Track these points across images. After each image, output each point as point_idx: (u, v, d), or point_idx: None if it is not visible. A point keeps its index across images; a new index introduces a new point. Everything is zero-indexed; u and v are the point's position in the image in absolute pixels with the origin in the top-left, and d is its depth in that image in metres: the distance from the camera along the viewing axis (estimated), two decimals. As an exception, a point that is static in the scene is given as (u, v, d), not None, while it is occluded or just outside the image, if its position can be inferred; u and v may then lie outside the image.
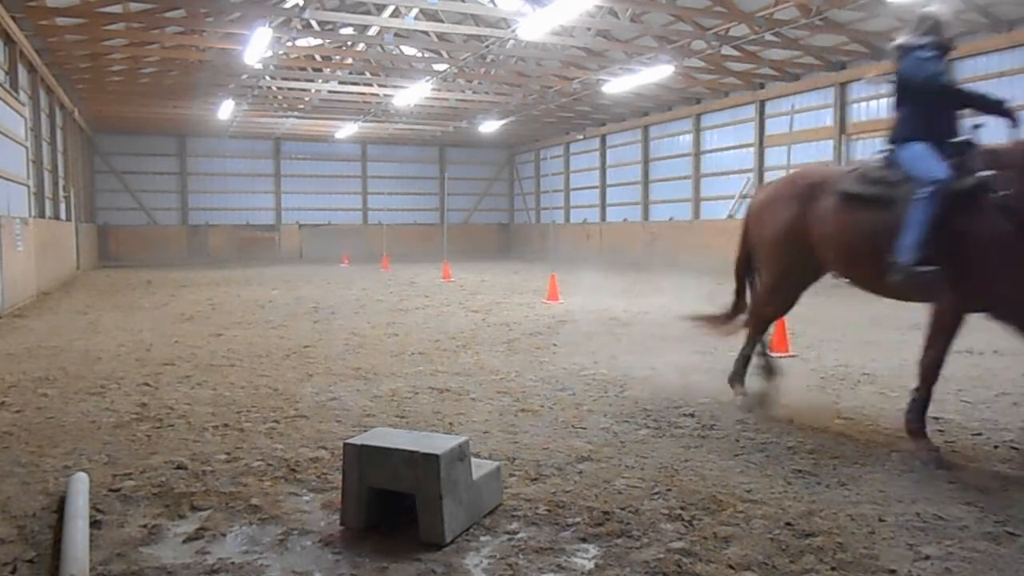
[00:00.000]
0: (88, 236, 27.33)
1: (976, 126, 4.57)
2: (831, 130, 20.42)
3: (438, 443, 3.43)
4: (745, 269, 5.90)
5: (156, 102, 26.28)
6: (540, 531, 3.40)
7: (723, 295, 6.39)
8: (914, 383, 4.58)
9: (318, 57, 22.64)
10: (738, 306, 5.97)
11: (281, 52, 20.06)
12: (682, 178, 26.55)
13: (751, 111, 23.26)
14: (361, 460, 3.41)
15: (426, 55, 22.16)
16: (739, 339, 5.91)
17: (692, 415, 5.45)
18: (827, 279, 5.40)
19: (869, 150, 19.61)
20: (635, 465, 4.31)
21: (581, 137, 32.73)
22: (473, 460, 3.57)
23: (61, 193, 22.00)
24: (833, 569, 3.00)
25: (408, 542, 3.28)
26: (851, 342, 8.72)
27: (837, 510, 3.61)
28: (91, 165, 31.85)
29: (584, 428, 5.13)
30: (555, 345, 8.70)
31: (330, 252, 34.03)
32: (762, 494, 3.82)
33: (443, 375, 7.00)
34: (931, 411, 5.47)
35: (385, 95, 25.27)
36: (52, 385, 6.59)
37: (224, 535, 3.38)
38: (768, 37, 17.80)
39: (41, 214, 18.27)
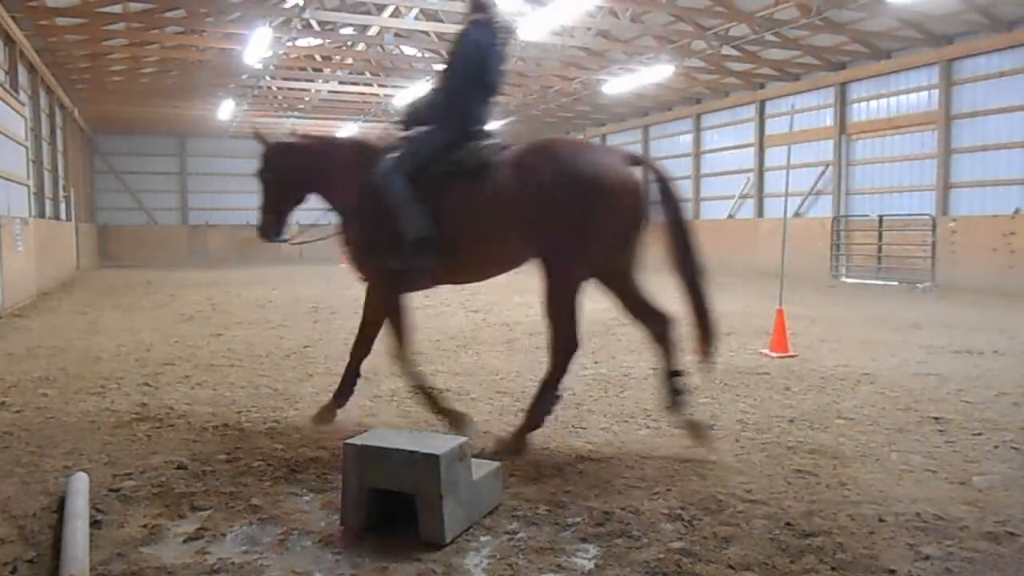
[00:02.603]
0: (88, 236, 27.30)
1: None
2: (831, 130, 20.40)
3: (438, 443, 3.43)
4: None
5: (156, 102, 26.26)
6: (540, 531, 3.40)
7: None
8: None
9: (318, 57, 22.64)
10: None
11: (281, 52, 20.04)
12: (682, 178, 26.50)
13: (751, 111, 23.23)
14: (361, 460, 3.40)
15: (426, 55, 22.15)
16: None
17: (692, 415, 5.43)
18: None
19: (869, 150, 19.63)
20: (635, 465, 4.31)
21: (581, 137, 32.74)
22: (473, 460, 3.57)
23: (61, 193, 21.99)
24: (833, 569, 3.00)
25: (408, 542, 3.27)
26: (851, 342, 8.71)
27: (837, 510, 3.60)
28: (91, 165, 31.83)
29: (584, 428, 5.13)
30: (555, 345, 8.68)
31: (330, 252, 33.94)
32: (762, 494, 3.82)
33: (443, 375, 7.00)
34: (931, 411, 5.49)
35: (385, 95, 25.26)
36: (52, 385, 6.58)
37: (224, 535, 3.37)
38: (768, 37, 17.79)
39: (41, 214, 18.26)
